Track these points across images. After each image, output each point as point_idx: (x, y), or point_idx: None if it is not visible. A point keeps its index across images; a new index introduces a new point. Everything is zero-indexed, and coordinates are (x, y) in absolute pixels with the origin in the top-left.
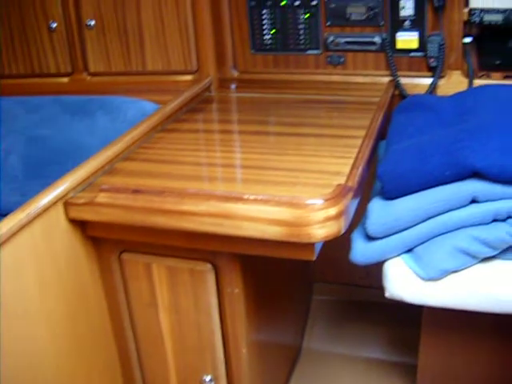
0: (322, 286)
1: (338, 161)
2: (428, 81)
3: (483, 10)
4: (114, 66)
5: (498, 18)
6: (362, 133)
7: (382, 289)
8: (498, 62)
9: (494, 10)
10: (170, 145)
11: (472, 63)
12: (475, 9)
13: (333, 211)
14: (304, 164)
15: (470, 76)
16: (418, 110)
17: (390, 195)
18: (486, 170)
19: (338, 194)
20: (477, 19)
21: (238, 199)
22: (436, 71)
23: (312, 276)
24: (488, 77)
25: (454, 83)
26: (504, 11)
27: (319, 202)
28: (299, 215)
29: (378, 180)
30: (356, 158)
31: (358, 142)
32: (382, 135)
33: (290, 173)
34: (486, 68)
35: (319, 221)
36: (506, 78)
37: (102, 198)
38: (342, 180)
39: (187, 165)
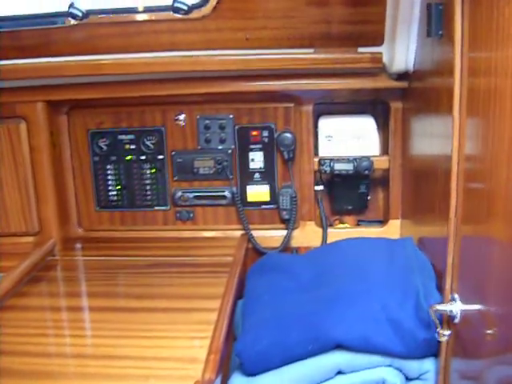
0: None
1: (192, 343)
2: (282, 233)
3: (333, 160)
4: None
5: (349, 167)
6: (217, 304)
7: None
8: (349, 208)
9: (343, 159)
10: (10, 328)
11: (324, 211)
12: (325, 158)
13: None
14: (157, 350)
15: (324, 225)
16: (274, 272)
17: (250, 372)
18: (349, 342)
19: None
20: (327, 169)
21: None
22: (289, 224)
23: None
24: (341, 222)
25: (307, 234)
26: (353, 160)
27: None
28: None
29: (236, 356)
30: (212, 338)
31: (213, 316)
32: (239, 293)
33: (142, 362)
34: (339, 213)
35: None
36: (358, 223)
37: None
38: (198, 369)
39: (31, 356)
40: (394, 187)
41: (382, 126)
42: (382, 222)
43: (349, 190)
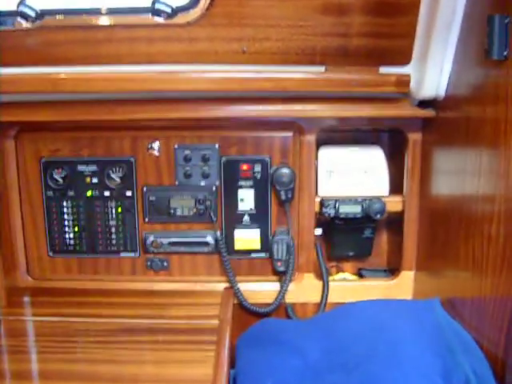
0: None
1: None
2: (274, 286)
3: (338, 200)
4: None
5: (357, 209)
6: None
7: None
8: (350, 254)
9: (350, 200)
10: None
11: (324, 260)
12: (328, 199)
13: None
14: None
15: (325, 278)
16: (274, 345)
17: None
18: None
19: None
20: (331, 211)
21: None
22: (285, 276)
23: None
24: (339, 270)
25: (305, 287)
26: (362, 201)
27: None
28: None
29: None
30: None
31: None
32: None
33: None
34: (337, 260)
35: None
36: (360, 272)
37: None
38: None
39: None
40: (409, 233)
41: (390, 159)
42: (387, 271)
43: (351, 234)
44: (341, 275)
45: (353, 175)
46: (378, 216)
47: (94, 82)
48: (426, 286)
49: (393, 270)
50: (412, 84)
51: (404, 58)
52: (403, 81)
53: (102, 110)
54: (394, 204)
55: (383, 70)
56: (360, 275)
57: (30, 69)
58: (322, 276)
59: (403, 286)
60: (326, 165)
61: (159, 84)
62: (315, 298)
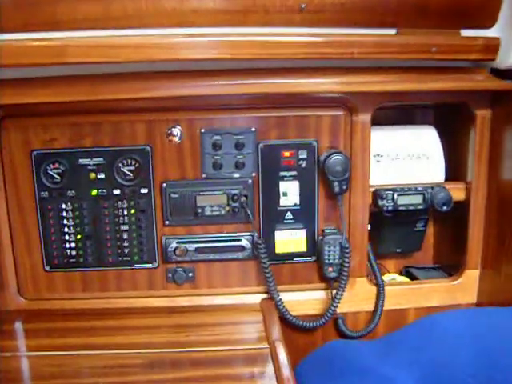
0: None
1: None
2: (319, 295)
3: (395, 191)
4: None
5: (418, 200)
6: None
7: None
8: (398, 250)
9: (409, 190)
10: None
11: (376, 260)
12: (384, 189)
13: None
14: None
15: (380, 282)
16: (352, 375)
17: None
18: None
19: None
20: (389, 204)
21: None
22: (339, 283)
23: None
24: (385, 270)
25: (357, 295)
26: (424, 190)
27: None
28: None
29: None
30: None
31: None
32: None
33: None
34: (380, 257)
35: None
36: (406, 271)
37: None
38: None
39: None
40: (474, 226)
41: (444, 141)
42: (439, 270)
43: (401, 228)
44: (388, 277)
45: (404, 160)
46: (445, 208)
47: (106, 50)
48: (492, 287)
49: (446, 268)
50: (500, 50)
51: (489, 18)
52: (491, 46)
53: (109, 88)
54: (456, 192)
55: (465, 33)
56: (408, 275)
57: (19, 35)
58: (377, 280)
59: (467, 287)
60: (373, 149)
61: (189, 52)
62: (368, 306)
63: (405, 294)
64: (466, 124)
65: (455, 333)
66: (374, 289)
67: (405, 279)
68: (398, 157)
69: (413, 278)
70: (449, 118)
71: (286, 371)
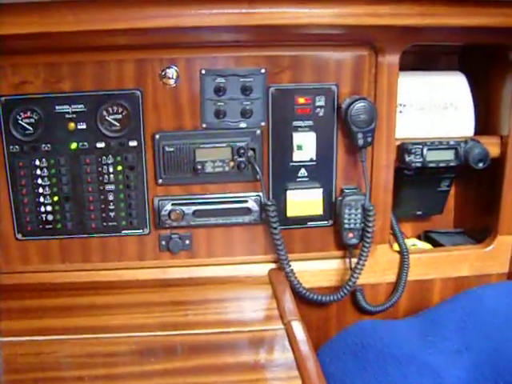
0: None
1: None
2: (335, 264)
3: (425, 145)
4: None
5: (449, 156)
6: None
7: None
8: (418, 213)
9: (441, 144)
10: None
11: (397, 225)
12: (414, 143)
13: None
14: None
15: (404, 248)
16: (390, 365)
17: None
18: None
19: None
20: (417, 160)
21: None
22: (362, 252)
23: None
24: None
25: (378, 263)
26: (455, 145)
27: None
28: None
29: None
30: None
31: None
32: None
33: None
34: (399, 221)
35: None
36: (426, 235)
37: None
38: None
39: None
40: (510, 187)
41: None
42: (464, 235)
43: (424, 187)
44: (407, 242)
45: (430, 111)
46: (481, 165)
47: None
48: None
49: (471, 233)
50: None
51: None
52: None
53: (93, 16)
54: (489, 148)
55: None
56: (429, 240)
57: None
58: (400, 247)
59: (499, 254)
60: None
61: None
62: (390, 276)
63: (430, 262)
64: (500, 71)
65: (510, 312)
66: (396, 257)
67: (426, 245)
68: (423, 107)
69: (435, 243)
70: (478, 64)
71: (309, 359)
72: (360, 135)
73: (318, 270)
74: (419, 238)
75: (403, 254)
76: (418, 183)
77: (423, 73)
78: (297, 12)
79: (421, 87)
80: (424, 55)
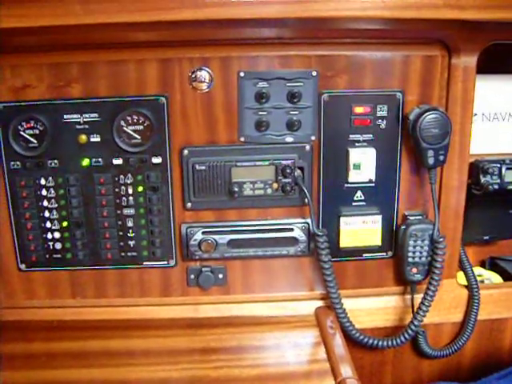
0: None
1: None
2: (392, 302)
3: (504, 162)
4: None
5: None
6: None
7: None
8: (485, 238)
9: None
10: None
11: (466, 256)
12: (490, 160)
13: None
14: None
15: (473, 284)
16: None
17: None
18: None
19: None
20: (495, 181)
21: None
22: (429, 289)
23: None
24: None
25: (445, 301)
26: None
27: None
28: None
29: None
30: None
31: None
32: None
33: None
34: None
35: None
36: (491, 262)
37: None
38: None
39: None
40: None
41: None
42: None
43: (492, 209)
44: (485, 279)
45: (504, 122)
46: None
47: None
48: None
49: None
50: None
51: None
52: None
53: (107, 7)
54: None
55: None
56: (495, 268)
57: None
58: (469, 281)
59: None
60: None
61: None
62: (456, 315)
63: (503, 299)
64: None
65: None
66: (464, 293)
67: (495, 276)
68: (496, 116)
69: (502, 272)
70: None
71: None
72: (431, 153)
73: (373, 309)
74: (483, 265)
75: (472, 289)
76: (488, 204)
77: (498, 77)
78: (363, 2)
79: (496, 94)
80: (498, 55)
